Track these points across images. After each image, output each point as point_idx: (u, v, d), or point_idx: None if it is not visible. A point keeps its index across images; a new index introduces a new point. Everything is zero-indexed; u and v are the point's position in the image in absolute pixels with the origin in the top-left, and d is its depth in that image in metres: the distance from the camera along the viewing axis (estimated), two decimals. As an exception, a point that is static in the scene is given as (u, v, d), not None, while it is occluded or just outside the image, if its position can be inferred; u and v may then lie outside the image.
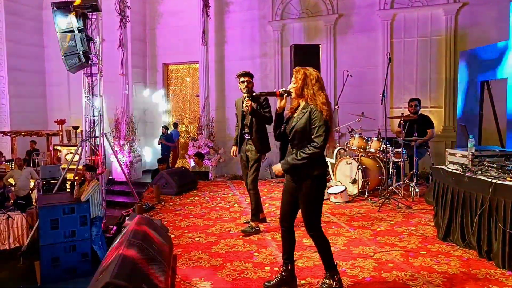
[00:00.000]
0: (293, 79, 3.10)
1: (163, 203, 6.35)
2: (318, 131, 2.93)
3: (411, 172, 6.57)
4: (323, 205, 6.03)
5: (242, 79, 4.75)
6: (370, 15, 9.92)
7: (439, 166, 4.83)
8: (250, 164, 4.82)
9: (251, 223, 4.78)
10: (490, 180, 3.90)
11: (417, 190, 6.33)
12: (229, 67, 11.00)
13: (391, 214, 5.53)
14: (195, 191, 7.21)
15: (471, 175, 4.17)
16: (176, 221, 5.30)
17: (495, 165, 4.24)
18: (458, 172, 4.39)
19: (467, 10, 9.21)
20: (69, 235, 5.98)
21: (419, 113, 7.03)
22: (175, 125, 11.84)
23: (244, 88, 4.67)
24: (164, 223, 5.20)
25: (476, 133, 7.32)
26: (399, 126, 7.09)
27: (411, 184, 6.44)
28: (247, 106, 4.50)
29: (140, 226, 3.70)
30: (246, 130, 4.83)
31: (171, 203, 6.36)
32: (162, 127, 11.36)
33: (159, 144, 11.17)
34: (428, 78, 9.58)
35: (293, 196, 3.13)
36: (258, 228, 4.76)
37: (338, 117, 7.65)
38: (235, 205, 6.15)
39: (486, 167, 4.25)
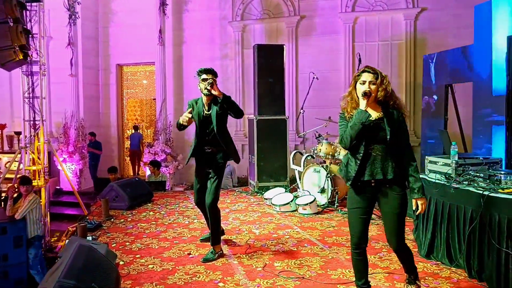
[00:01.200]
0: (371, 79, 2.67)
1: (112, 219, 5.45)
2: (408, 138, 2.81)
3: (381, 180, 6.09)
4: (293, 218, 5.48)
5: (204, 76, 3.79)
6: (332, 18, 9.52)
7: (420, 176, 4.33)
8: (212, 181, 3.89)
9: (213, 248, 3.98)
10: (481, 192, 3.42)
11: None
12: (188, 68, 10.19)
13: (365, 226, 4.99)
14: (150, 205, 6.33)
15: (458, 186, 3.69)
16: (127, 243, 4.46)
17: (482, 175, 3.79)
18: (442, 182, 3.91)
19: (426, 16, 9.08)
20: None
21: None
22: (136, 128, 10.99)
23: (205, 89, 3.75)
24: (112, 245, 4.38)
25: (442, 137, 7.01)
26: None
27: (381, 192, 5.97)
28: (206, 88, 3.72)
29: (77, 259, 2.90)
30: (208, 138, 3.89)
31: (122, 220, 5.47)
32: (89, 133, 10.18)
33: (87, 152, 10.06)
34: (389, 83, 9.27)
35: (368, 214, 2.84)
36: (221, 252, 4.03)
37: (303, 121, 7.08)
38: (196, 220, 5.37)
39: (473, 177, 3.79)
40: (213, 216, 3.91)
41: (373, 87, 2.65)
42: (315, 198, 5.68)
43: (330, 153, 6.09)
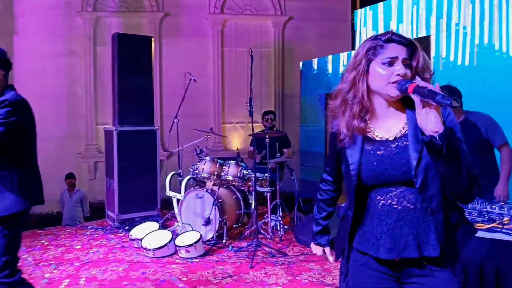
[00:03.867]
0: (406, 55, 1.29)
1: None
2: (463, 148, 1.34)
3: (274, 202, 4.85)
4: (174, 266, 3.77)
5: None
6: (200, 18, 8.08)
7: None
8: None
9: None
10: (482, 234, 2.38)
11: (286, 226, 4.67)
12: (22, 66, 7.32)
13: (269, 269, 3.64)
14: None
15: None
16: None
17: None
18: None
19: (293, 25, 8.43)
20: None
21: (275, 129, 5.45)
22: None
23: None
24: None
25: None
26: (253, 144, 5.37)
27: (273, 218, 4.73)
28: None
29: None
30: None
31: None
32: None
33: None
34: (259, 92, 8.27)
35: None
36: None
37: (177, 133, 5.42)
38: (55, 271, 3.20)
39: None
40: None
41: (406, 71, 1.26)
42: (201, 234, 4.09)
43: (215, 172, 4.59)
